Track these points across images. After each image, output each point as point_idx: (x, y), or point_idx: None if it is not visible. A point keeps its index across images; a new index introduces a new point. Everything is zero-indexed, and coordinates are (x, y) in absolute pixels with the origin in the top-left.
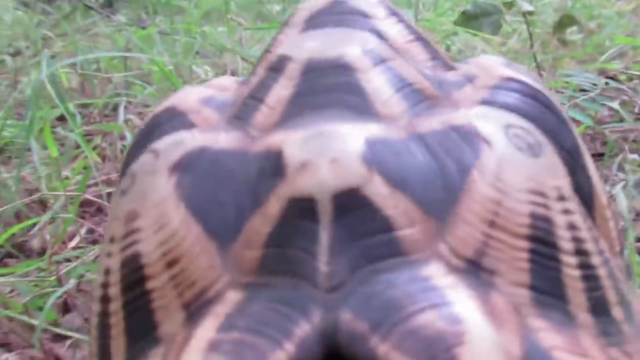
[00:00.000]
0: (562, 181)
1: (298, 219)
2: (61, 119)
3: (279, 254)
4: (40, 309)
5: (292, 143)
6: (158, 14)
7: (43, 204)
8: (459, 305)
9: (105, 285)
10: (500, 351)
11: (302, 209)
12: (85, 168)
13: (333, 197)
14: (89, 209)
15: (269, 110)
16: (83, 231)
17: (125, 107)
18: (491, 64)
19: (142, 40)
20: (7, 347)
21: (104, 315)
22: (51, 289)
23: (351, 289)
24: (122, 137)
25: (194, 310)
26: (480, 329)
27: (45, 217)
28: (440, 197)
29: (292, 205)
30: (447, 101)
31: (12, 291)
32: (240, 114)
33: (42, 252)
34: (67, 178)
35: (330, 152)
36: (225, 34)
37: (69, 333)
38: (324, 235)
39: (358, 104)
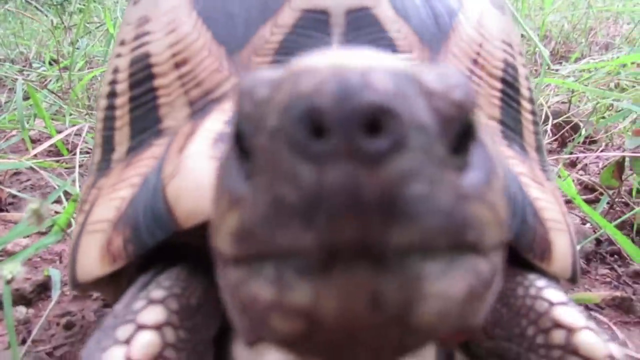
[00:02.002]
0: (519, 40)
1: (310, 30)
2: None
3: (289, 61)
4: None
5: None
6: None
7: None
8: None
9: (112, 82)
10: None
11: (316, 21)
12: None
13: (347, 12)
14: None
15: None
16: None
17: None
18: None
19: None
20: None
21: (110, 109)
22: None
23: None
24: None
25: (199, 108)
26: None
27: None
28: (433, 31)
29: (306, 17)
30: None
31: None
32: None
33: None
34: None
35: None
36: None
37: None
38: (335, 47)
39: None
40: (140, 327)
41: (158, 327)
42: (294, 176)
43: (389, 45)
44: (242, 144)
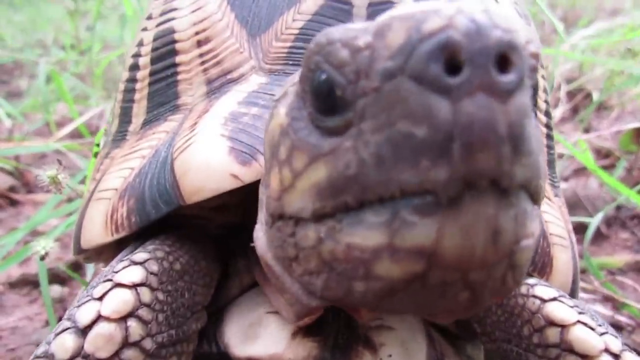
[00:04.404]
0: (540, 50)
1: (331, 19)
2: None
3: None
4: None
5: None
6: None
7: None
8: None
9: (136, 55)
10: None
11: (338, 10)
12: None
13: (370, 4)
14: None
15: None
16: None
17: None
18: None
19: None
20: None
21: (131, 81)
22: None
23: None
24: None
25: (217, 87)
26: None
27: None
28: None
29: (329, 5)
30: None
31: None
32: None
33: None
34: None
35: None
36: None
37: None
38: None
39: None
40: (116, 285)
41: (134, 287)
42: (427, 111)
43: None
44: (321, 100)
